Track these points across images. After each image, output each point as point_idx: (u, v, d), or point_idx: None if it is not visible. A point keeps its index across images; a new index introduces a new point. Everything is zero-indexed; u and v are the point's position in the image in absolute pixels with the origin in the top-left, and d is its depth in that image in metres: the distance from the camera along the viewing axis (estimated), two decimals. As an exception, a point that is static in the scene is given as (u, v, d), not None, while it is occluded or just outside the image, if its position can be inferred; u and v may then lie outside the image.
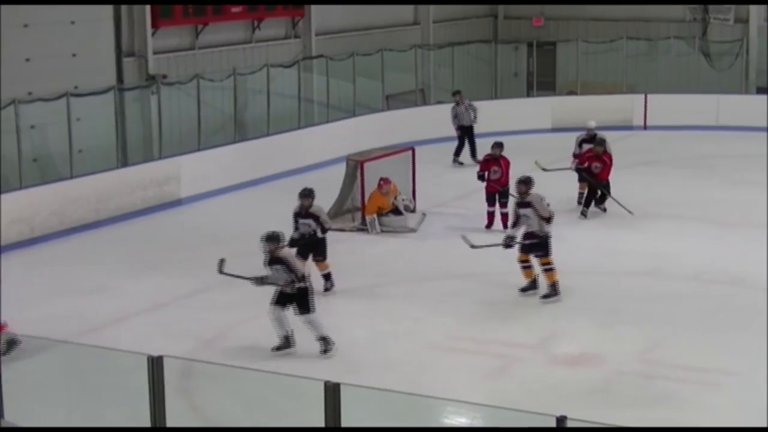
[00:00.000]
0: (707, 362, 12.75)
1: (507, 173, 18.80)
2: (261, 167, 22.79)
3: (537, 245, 15.12)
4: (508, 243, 15.26)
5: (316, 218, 15.39)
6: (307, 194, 15.47)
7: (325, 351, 13.18)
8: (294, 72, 25.01)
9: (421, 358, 13.13)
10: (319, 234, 15.38)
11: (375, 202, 18.94)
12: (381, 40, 28.36)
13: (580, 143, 20.47)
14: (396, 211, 19.04)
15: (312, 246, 15.42)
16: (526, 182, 15.52)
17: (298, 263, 13.47)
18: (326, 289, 15.49)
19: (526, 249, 15.21)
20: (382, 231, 18.82)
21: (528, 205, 15.14)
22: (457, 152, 24.73)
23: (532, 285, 15.31)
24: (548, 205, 15.27)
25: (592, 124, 20.59)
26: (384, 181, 18.94)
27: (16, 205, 18.09)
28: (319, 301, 15.00)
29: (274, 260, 13.17)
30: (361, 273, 16.64)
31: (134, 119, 21.84)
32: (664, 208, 19.75)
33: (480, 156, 23.83)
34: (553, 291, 15.14)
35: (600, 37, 30.73)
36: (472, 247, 15.53)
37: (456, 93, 25.15)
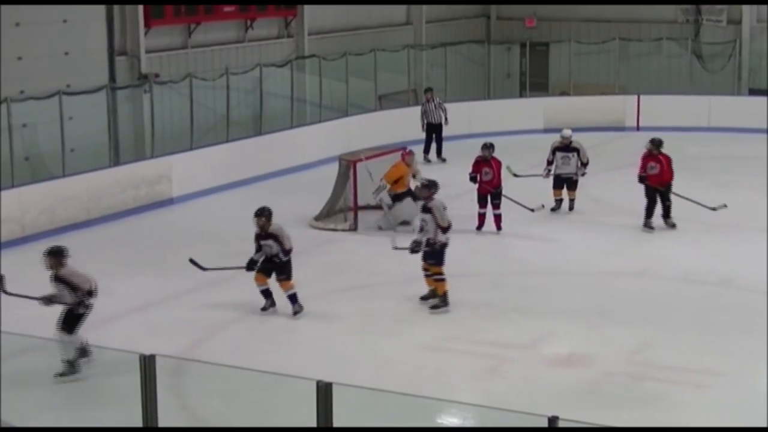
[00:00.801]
0: (696, 363, 12.79)
1: (498, 174, 18.81)
2: (253, 167, 22.81)
3: (429, 253, 14.74)
4: (414, 248, 14.74)
5: (275, 238, 14.34)
6: (259, 213, 14.42)
7: (62, 374, 12.13)
8: (286, 71, 25.03)
9: (413, 359, 13.15)
10: (282, 257, 14.41)
11: (398, 171, 18.86)
12: (373, 40, 28.39)
13: (554, 151, 20.11)
14: (409, 194, 18.84)
15: (275, 266, 14.58)
16: (429, 186, 15.02)
17: (80, 279, 12.33)
18: (295, 312, 14.58)
19: (422, 256, 14.88)
20: (389, 210, 18.74)
21: (429, 210, 14.68)
22: (426, 149, 24.97)
23: (433, 294, 14.97)
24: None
25: (567, 132, 20.12)
26: (407, 153, 19.04)
27: (7, 203, 18.08)
28: (306, 308, 14.88)
29: (56, 278, 12.30)
30: (353, 273, 16.66)
31: (126, 118, 21.83)
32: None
33: (445, 155, 24.67)
34: (443, 302, 14.78)
35: (592, 38, 30.81)
36: (395, 248, 15.39)
37: (428, 90, 25.56)
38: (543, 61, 31.73)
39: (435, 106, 25.14)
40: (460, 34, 31.87)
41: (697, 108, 28.30)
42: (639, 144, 19.51)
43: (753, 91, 29.64)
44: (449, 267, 15.16)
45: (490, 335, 13.83)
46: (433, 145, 25.07)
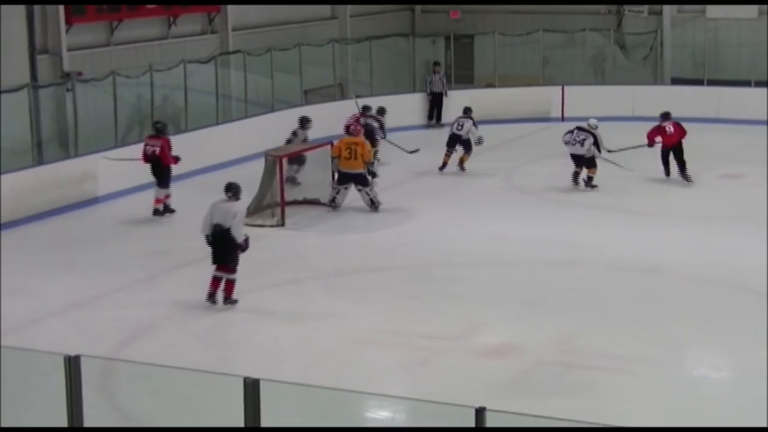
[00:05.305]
0: (624, 350, 12.91)
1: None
2: (179, 164, 22.58)
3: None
4: None
5: None
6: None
7: None
8: (211, 68, 24.86)
9: (344, 353, 13.14)
10: None
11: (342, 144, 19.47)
12: (298, 35, 28.28)
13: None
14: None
15: None
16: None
17: None
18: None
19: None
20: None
21: None
22: (430, 116, 28.31)
23: None
24: None
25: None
26: (355, 122, 19.49)
27: (-70, 205, 17.81)
28: (237, 305, 14.86)
29: None
30: (282, 268, 16.59)
31: (49, 117, 21.55)
32: (580, 198, 19.93)
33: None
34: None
35: (517, 29, 30.90)
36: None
37: (436, 64, 29.14)
38: (468, 54, 31.80)
39: (440, 78, 28.50)
40: (385, 27, 31.82)
41: (620, 98, 28.49)
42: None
43: (675, 81, 29.96)
44: (379, 260, 15.13)
45: (421, 328, 13.85)
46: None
